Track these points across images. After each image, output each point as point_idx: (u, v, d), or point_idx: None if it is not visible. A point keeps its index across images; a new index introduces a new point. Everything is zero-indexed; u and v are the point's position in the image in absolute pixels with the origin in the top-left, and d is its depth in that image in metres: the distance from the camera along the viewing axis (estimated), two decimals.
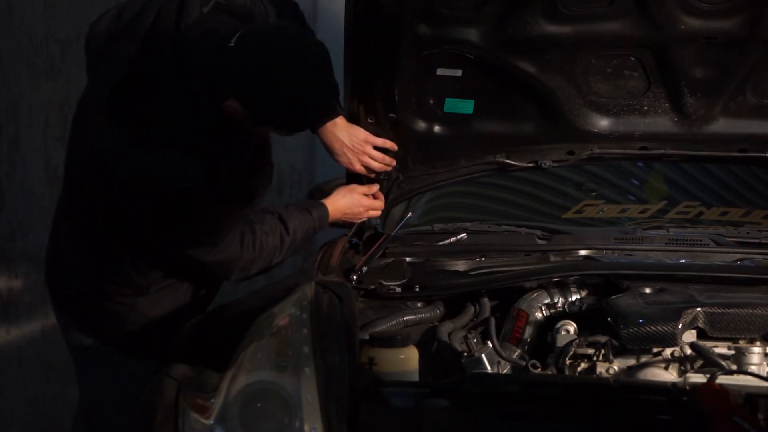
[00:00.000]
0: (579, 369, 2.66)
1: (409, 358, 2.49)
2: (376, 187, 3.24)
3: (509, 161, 3.41)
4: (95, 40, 2.82)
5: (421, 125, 3.29)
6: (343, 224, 3.23)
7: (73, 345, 2.98)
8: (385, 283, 2.92)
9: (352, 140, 3.09)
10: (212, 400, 2.29)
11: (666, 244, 3.31)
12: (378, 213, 3.28)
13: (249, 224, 2.87)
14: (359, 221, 3.24)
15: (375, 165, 3.16)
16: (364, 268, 2.96)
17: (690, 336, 2.61)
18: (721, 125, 3.32)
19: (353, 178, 3.25)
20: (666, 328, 2.55)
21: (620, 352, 2.63)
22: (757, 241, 3.36)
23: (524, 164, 3.42)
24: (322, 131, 3.05)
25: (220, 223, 2.79)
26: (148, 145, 2.66)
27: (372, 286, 2.91)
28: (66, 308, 2.98)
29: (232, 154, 2.78)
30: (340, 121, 3.07)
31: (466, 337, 2.75)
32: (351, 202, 3.18)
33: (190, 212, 2.71)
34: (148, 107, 2.68)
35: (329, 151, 3.12)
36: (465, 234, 3.37)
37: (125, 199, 2.71)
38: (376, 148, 3.16)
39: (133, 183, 2.67)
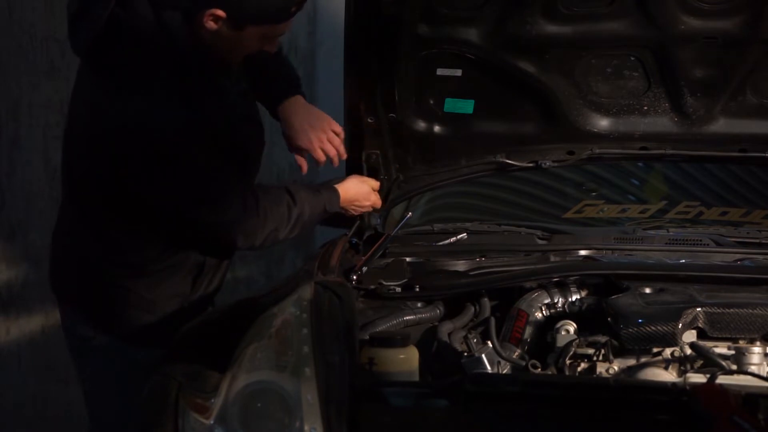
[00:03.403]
0: (579, 369, 2.66)
1: (409, 358, 2.49)
2: (378, 184, 3.24)
3: (509, 161, 3.41)
4: (70, 9, 2.81)
5: (421, 125, 3.29)
6: (344, 214, 3.19)
7: (78, 340, 2.96)
8: (385, 283, 2.92)
9: (315, 120, 3.05)
10: (212, 400, 2.29)
11: (666, 244, 3.31)
12: (377, 206, 3.27)
13: (252, 190, 2.85)
14: (357, 214, 3.22)
15: (332, 151, 3.09)
16: (364, 268, 2.96)
17: (690, 336, 2.61)
18: (721, 125, 3.32)
19: (354, 172, 3.24)
20: (666, 328, 2.55)
21: (620, 352, 2.64)
22: (757, 241, 3.36)
23: (524, 164, 3.42)
24: (283, 108, 3.02)
25: (215, 178, 2.75)
26: (130, 92, 2.64)
27: (372, 286, 2.91)
28: (69, 298, 2.97)
29: (215, 96, 2.75)
30: (301, 99, 3.05)
31: (466, 337, 2.74)
32: (361, 193, 3.17)
33: (181, 160, 2.67)
34: (127, 55, 2.67)
35: (288, 129, 3.05)
36: (465, 234, 3.37)
37: (116, 151, 2.68)
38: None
39: (121, 131, 2.65)
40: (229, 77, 2.84)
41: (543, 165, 3.41)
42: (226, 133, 2.77)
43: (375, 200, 3.22)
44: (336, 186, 3.10)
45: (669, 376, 2.59)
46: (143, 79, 2.66)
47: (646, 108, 3.30)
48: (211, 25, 2.66)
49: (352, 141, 3.22)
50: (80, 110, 2.81)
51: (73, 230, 2.92)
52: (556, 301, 2.82)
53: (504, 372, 2.65)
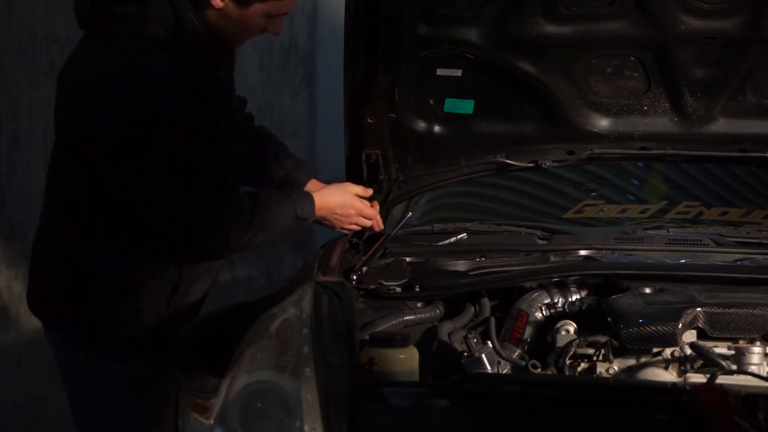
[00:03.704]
0: (579, 369, 2.66)
1: (409, 358, 2.49)
2: (370, 192, 3.09)
3: (509, 161, 3.41)
4: None
5: (421, 125, 3.29)
6: (331, 226, 3.02)
7: (64, 363, 2.90)
8: (385, 283, 2.92)
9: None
10: (212, 400, 2.29)
11: (666, 244, 3.31)
12: (369, 223, 3.06)
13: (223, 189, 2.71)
14: (346, 228, 3.03)
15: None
16: (364, 268, 2.96)
17: (690, 336, 2.61)
18: (721, 125, 3.33)
19: (354, 173, 3.24)
20: (666, 328, 2.55)
21: (620, 352, 2.64)
22: (757, 241, 3.37)
23: (524, 164, 3.42)
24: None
25: (184, 161, 2.63)
26: (118, 52, 2.60)
27: (372, 286, 2.92)
28: (48, 315, 2.89)
29: (207, 80, 2.71)
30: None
31: (466, 337, 2.75)
32: (343, 201, 2.97)
33: (152, 133, 2.58)
34: (126, 20, 2.62)
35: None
36: (465, 234, 3.37)
37: (91, 105, 2.60)
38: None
39: (102, 84, 2.59)
40: (223, 68, 2.80)
41: (543, 165, 3.41)
42: (208, 123, 2.70)
43: (361, 208, 3.02)
44: (314, 192, 2.92)
45: (669, 376, 2.59)
46: (136, 43, 2.61)
47: (646, 108, 3.30)
48: (217, 2, 2.65)
49: (352, 141, 3.22)
50: (67, 73, 2.73)
51: (51, 235, 2.84)
52: (556, 301, 2.83)
53: (504, 372, 2.65)
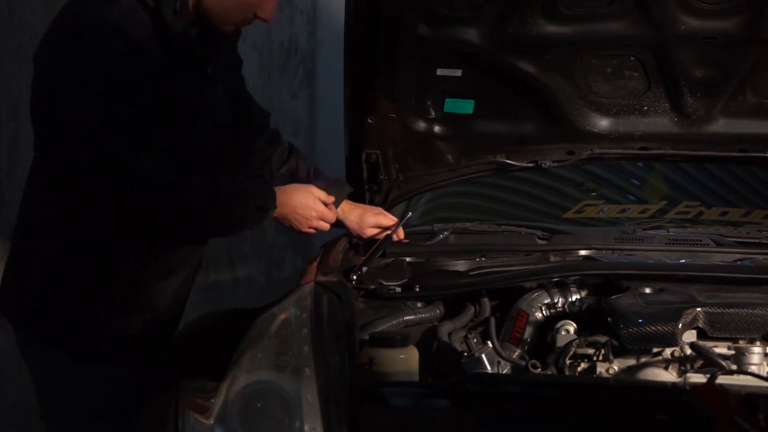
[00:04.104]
0: (579, 369, 2.66)
1: (409, 358, 2.49)
2: (332, 199, 2.99)
3: (509, 161, 3.41)
4: None
5: (421, 125, 3.29)
6: (289, 226, 2.91)
7: (35, 368, 2.82)
8: (385, 283, 2.92)
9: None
10: (212, 400, 2.29)
11: (666, 244, 3.31)
12: (327, 227, 2.97)
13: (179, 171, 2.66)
14: (305, 230, 2.93)
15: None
16: (364, 268, 2.96)
17: (690, 336, 2.61)
18: (721, 125, 3.33)
19: (354, 173, 3.24)
20: (666, 328, 2.55)
21: (620, 352, 2.64)
22: (757, 241, 3.36)
23: (524, 164, 3.42)
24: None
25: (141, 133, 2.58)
26: (101, 33, 2.55)
27: (372, 286, 2.91)
28: (19, 317, 2.82)
29: (193, 68, 2.68)
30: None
31: (466, 337, 2.75)
32: (305, 202, 2.88)
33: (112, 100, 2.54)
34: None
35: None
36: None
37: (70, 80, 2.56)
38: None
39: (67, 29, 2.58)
40: (214, 61, 2.77)
41: (543, 165, 3.41)
42: (198, 117, 2.69)
43: (322, 212, 2.92)
44: (277, 188, 2.85)
45: (669, 376, 2.59)
46: (103, 3, 2.59)
47: (646, 108, 3.30)
48: None
49: (352, 141, 3.22)
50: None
51: (21, 231, 2.82)
52: (556, 301, 2.82)
53: (504, 372, 2.65)
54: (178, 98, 2.65)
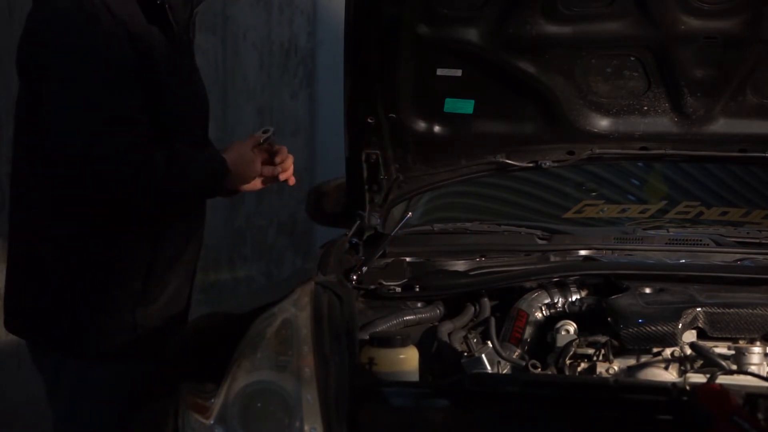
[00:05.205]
0: (579, 369, 2.66)
1: (409, 358, 2.49)
2: (260, 137, 2.95)
3: (509, 161, 3.41)
4: None
5: (421, 125, 3.29)
6: (243, 184, 2.92)
7: (51, 378, 2.83)
8: (385, 283, 2.92)
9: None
10: (212, 400, 2.29)
11: (666, 244, 3.31)
12: (275, 170, 2.96)
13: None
14: (261, 181, 2.95)
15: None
16: (364, 268, 2.96)
17: (690, 336, 2.61)
18: (721, 125, 3.32)
19: (354, 173, 3.24)
20: (666, 328, 2.55)
21: (620, 352, 2.64)
22: (757, 241, 3.36)
23: (524, 164, 3.42)
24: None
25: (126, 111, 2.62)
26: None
27: (372, 286, 2.91)
28: (28, 328, 2.87)
29: (155, 30, 2.70)
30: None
31: (466, 337, 2.75)
32: (237, 155, 2.88)
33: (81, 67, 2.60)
34: None
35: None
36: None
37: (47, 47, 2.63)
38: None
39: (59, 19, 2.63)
40: (184, 29, 2.80)
41: (543, 165, 3.41)
42: (163, 72, 2.70)
43: (258, 168, 2.91)
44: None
45: (669, 376, 2.59)
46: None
47: (646, 108, 3.30)
48: None
49: (352, 141, 3.22)
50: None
51: (20, 236, 2.82)
52: (556, 301, 2.83)
53: (504, 372, 2.65)
54: (158, 66, 2.69)
